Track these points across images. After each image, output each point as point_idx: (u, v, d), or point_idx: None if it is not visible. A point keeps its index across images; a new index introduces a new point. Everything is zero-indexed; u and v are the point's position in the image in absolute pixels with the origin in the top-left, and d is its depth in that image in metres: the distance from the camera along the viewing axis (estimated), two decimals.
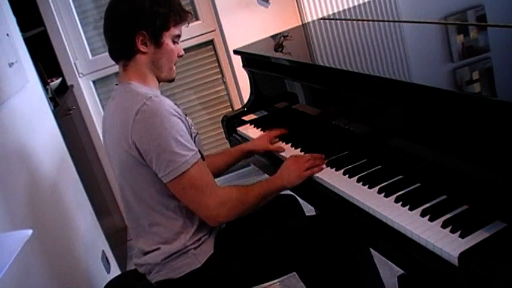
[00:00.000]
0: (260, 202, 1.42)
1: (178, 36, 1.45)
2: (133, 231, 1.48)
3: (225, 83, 3.30)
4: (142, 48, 1.39)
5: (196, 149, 1.35)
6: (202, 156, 1.40)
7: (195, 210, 1.36)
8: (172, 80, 1.51)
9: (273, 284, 2.21)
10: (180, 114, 1.35)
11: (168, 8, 1.39)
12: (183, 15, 1.44)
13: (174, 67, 1.48)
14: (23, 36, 2.25)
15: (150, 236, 1.41)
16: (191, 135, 1.38)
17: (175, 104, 1.40)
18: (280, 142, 1.72)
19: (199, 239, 1.41)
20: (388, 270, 1.93)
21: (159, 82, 1.47)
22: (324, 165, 1.45)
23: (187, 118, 1.42)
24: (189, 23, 1.47)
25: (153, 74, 1.44)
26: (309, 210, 1.81)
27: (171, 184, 1.32)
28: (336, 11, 2.93)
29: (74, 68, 3.04)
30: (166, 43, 1.41)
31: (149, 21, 1.37)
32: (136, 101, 1.32)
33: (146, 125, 1.29)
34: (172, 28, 1.41)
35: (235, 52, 2.17)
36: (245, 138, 1.93)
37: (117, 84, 1.47)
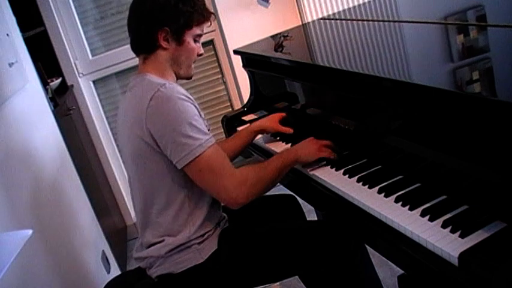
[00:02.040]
0: (278, 177, 1.41)
1: (200, 35, 1.46)
2: (140, 222, 1.47)
3: (225, 83, 3.31)
4: (163, 44, 1.40)
5: (211, 134, 1.36)
6: None
7: (215, 194, 1.36)
8: (189, 78, 1.52)
9: (273, 284, 2.21)
10: (192, 100, 1.36)
11: (193, 7, 1.41)
12: (207, 15, 1.45)
13: (193, 65, 1.49)
14: (23, 36, 2.25)
15: (156, 226, 1.41)
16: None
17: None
18: (280, 142, 1.73)
19: (203, 234, 1.41)
20: (388, 270, 1.94)
21: (176, 79, 1.48)
22: (324, 166, 1.45)
23: (201, 112, 1.42)
24: (211, 23, 1.48)
25: (172, 70, 1.46)
26: (309, 210, 1.81)
27: (188, 168, 1.32)
28: (336, 11, 2.93)
29: (74, 68, 3.04)
30: (187, 41, 1.43)
31: (173, 18, 1.39)
32: (150, 89, 1.33)
33: (160, 111, 1.30)
34: (195, 27, 1.43)
35: (235, 52, 2.17)
36: None
37: (133, 77, 1.47)
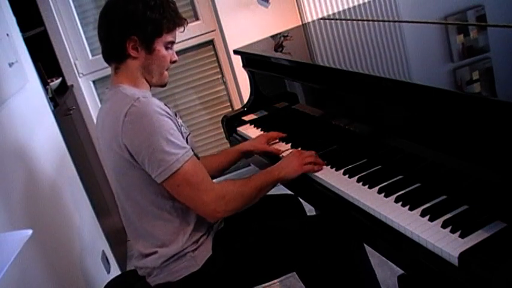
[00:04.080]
0: (258, 194, 1.40)
1: (172, 42, 1.43)
2: (130, 234, 1.47)
3: (225, 83, 3.30)
4: (132, 53, 1.38)
5: (188, 147, 1.34)
6: (195, 156, 1.39)
7: (193, 208, 1.35)
8: (163, 85, 1.49)
9: (273, 283, 2.21)
10: (169, 113, 1.34)
11: (162, 14, 1.37)
12: (177, 22, 1.42)
13: (166, 72, 1.46)
14: (23, 36, 2.25)
15: (147, 238, 1.41)
16: (182, 135, 1.37)
17: (165, 104, 1.39)
18: (280, 142, 1.72)
19: (196, 241, 1.40)
20: (388, 270, 1.94)
21: (150, 87, 1.46)
22: (324, 166, 1.44)
23: (177, 118, 1.41)
24: (184, 29, 1.46)
25: (144, 78, 1.43)
26: (309, 210, 1.81)
27: (166, 183, 1.32)
28: (336, 11, 2.93)
29: (74, 68, 3.04)
30: (158, 49, 1.40)
31: (141, 27, 1.36)
32: (124, 103, 1.32)
33: (135, 127, 1.29)
34: (165, 34, 1.40)
35: (235, 52, 2.17)
36: (245, 139, 1.93)
37: (107, 88, 1.46)
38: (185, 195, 1.33)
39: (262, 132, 1.87)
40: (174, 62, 1.46)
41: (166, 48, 1.42)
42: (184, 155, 1.31)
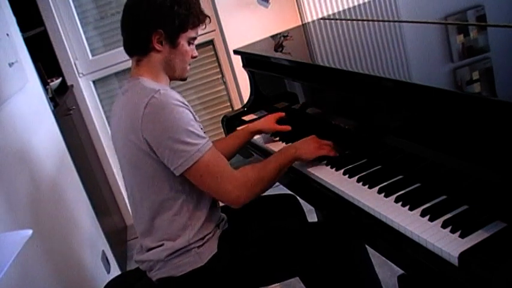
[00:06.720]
0: (278, 175, 1.42)
1: (194, 38, 1.46)
2: (138, 227, 1.47)
3: (225, 83, 3.31)
4: (157, 46, 1.40)
5: (208, 137, 1.36)
6: None
7: (216, 196, 1.37)
8: (184, 79, 1.52)
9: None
10: (187, 105, 1.36)
11: (188, 9, 1.40)
12: (202, 18, 1.45)
13: (188, 67, 1.49)
14: (23, 36, 2.25)
15: (155, 231, 1.41)
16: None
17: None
18: (280, 142, 1.72)
19: (203, 238, 1.41)
20: (388, 271, 1.94)
21: (170, 80, 1.48)
22: (324, 166, 1.44)
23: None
24: (206, 26, 1.48)
25: (166, 72, 1.45)
26: (309, 210, 1.81)
27: (188, 174, 1.32)
28: (336, 11, 2.93)
29: (74, 68, 3.04)
30: (181, 44, 1.42)
31: (168, 21, 1.38)
32: (144, 95, 1.33)
33: (156, 118, 1.30)
34: (190, 30, 1.42)
35: (235, 52, 2.17)
36: None
37: (126, 80, 1.47)
38: (208, 185, 1.34)
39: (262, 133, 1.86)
40: (195, 57, 1.49)
41: (189, 43, 1.45)
42: (205, 145, 1.33)
